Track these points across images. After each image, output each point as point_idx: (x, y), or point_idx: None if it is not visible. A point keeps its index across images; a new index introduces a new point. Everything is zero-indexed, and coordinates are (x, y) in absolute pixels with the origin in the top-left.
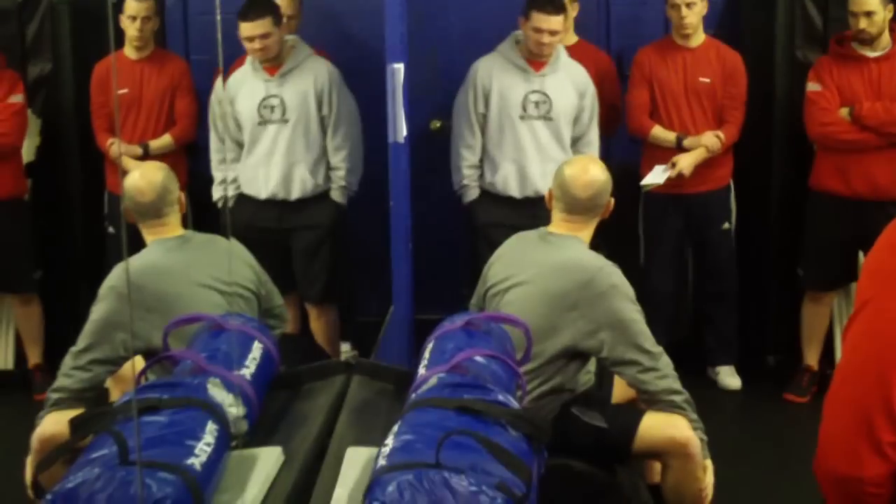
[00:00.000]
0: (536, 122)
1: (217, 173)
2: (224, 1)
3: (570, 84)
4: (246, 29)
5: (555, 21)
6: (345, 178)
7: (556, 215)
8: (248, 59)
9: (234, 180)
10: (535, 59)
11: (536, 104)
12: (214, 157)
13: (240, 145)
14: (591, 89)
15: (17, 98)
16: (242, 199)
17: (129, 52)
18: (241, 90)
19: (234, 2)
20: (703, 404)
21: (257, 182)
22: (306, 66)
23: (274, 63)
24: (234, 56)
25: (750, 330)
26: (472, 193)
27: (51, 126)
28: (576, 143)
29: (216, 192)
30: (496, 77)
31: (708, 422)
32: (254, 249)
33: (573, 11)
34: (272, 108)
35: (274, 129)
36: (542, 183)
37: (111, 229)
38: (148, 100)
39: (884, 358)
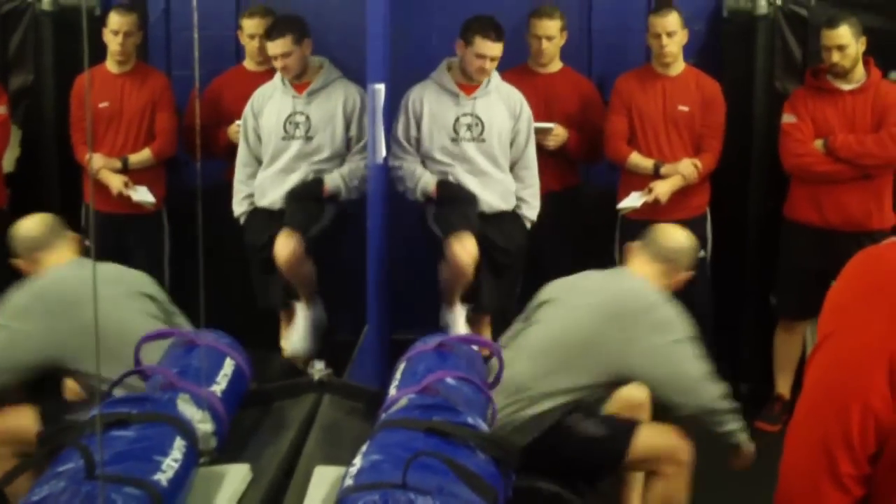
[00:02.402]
0: (468, 145)
1: (242, 187)
2: (204, 18)
3: (502, 106)
4: (269, 48)
5: (497, 48)
6: (346, 177)
7: (636, 261)
8: (277, 73)
9: (250, 195)
10: (468, 83)
11: (468, 127)
12: (242, 171)
13: (258, 161)
14: (525, 111)
15: (1, 109)
16: (256, 212)
17: (110, 65)
18: (268, 104)
19: (216, 19)
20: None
21: (273, 192)
22: (336, 87)
23: (301, 80)
24: (216, 72)
25: (723, 358)
26: (429, 178)
27: (31, 137)
28: (514, 166)
29: (238, 207)
30: (427, 102)
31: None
32: (264, 261)
33: (561, 40)
34: (297, 124)
35: (297, 145)
36: (485, 203)
37: (87, 242)
38: (128, 114)
39: (844, 391)
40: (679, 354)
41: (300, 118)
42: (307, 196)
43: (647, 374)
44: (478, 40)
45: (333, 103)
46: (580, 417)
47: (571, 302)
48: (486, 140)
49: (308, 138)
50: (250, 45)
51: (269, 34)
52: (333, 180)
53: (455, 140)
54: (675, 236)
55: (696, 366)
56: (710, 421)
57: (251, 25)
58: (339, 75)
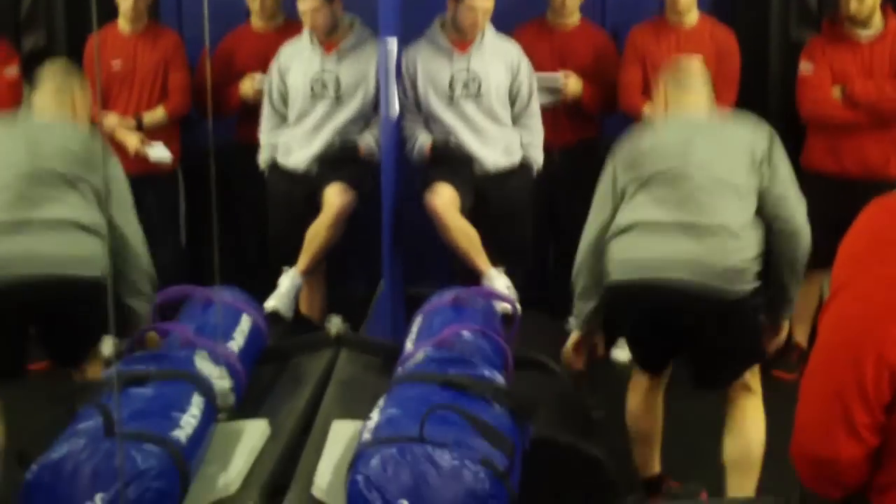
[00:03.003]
0: (466, 102)
1: (266, 138)
2: None
3: (499, 60)
4: (299, 3)
5: (489, 0)
6: (378, 139)
7: (693, 102)
8: (305, 30)
9: (274, 146)
10: (461, 40)
11: (465, 84)
12: (266, 123)
13: (283, 117)
14: (524, 63)
15: (13, 70)
16: (276, 169)
17: (122, 25)
18: (295, 62)
19: None
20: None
21: (299, 152)
22: (368, 47)
23: (330, 39)
24: (228, 31)
25: None
26: (425, 139)
27: None
28: (519, 117)
29: (262, 155)
30: (421, 62)
31: (696, 399)
32: (285, 221)
33: None
34: (325, 84)
35: (325, 105)
36: (488, 160)
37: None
38: (141, 73)
39: (857, 342)
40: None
41: (329, 77)
42: (344, 158)
43: (779, 191)
44: None
45: (365, 64)
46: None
47: (697, 152)
48: (484, 96)
49: (337, 98)
50: (253, 3)
51: None
52: (367, 143)
53: (452, 98)
54: (696, 66)
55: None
56: (799, 259)
57: None
58: (371, 34)
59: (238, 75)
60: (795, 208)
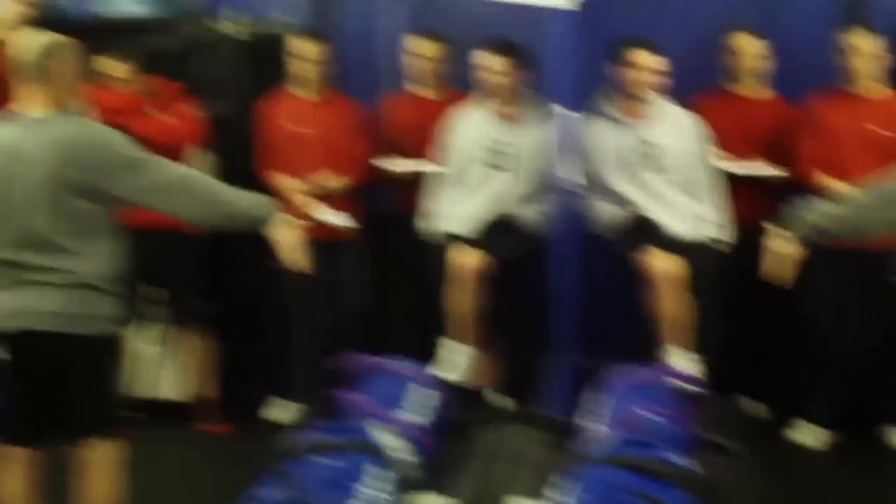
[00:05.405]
0: (648, 175)
1: (433, 203)
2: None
3: (674, 128)
4: (485, 58)
5: (658, 61)
6: (543, 213)
7: None
8: (480, 96)
9: (444, 216)
10: (633, 109)
11: (644, 155)
12: (438, 188)
13: (453, 182)
14: (698, 131)
15: (195, 111)
16: (438, 235)
17: (303, 92)
18: (467, 126)
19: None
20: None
21: (459, 220)
22: (543, 121)
23: (507, 108)
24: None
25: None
26: (614, 212)
27: (228, 166)
28: (698, 190)
29: (430, 220)
30: (593, 136)
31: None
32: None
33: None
34: (497, 152)
35: (493, 173)
36: (680, 228)
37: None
38: (322, 139)
39: None
40: None
41: (502, 147)
42: (504, 229)
43: None
44: (636, 54)
45: (538, 137)
46: None
47: None
48: (665, 166)
49: (507, 168)
50: (418, 67)
51: (493, 47)
52: (527, 215)
53: (632, 172)
54: None
55: None
56: None
57: (425, 47)
58: (548, 110)
59: (395, 141)
60: None
